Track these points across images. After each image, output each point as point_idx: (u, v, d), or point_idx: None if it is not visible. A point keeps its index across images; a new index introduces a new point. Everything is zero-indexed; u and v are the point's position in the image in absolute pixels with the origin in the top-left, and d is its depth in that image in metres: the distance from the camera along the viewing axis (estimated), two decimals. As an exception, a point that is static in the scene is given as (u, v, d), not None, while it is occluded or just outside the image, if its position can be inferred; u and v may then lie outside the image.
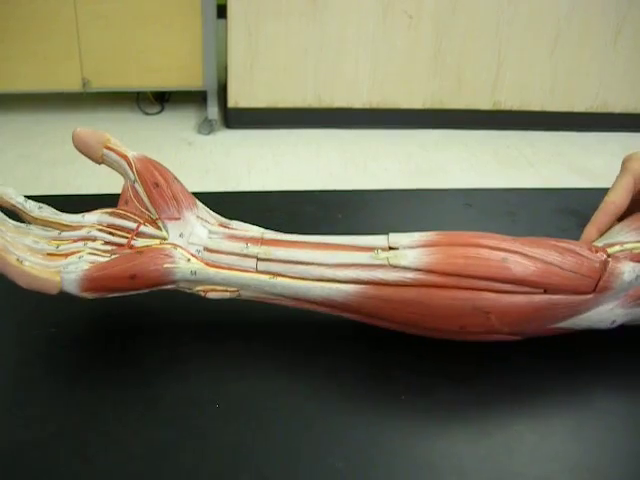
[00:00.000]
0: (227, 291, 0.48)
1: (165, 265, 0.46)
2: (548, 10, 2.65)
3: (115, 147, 0.50)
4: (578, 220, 0.69)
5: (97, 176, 1.60)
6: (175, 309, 0.53)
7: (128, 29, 2.54)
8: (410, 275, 0.46)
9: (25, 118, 2.68)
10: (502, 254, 0.46)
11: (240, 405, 0.45)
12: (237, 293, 0.48)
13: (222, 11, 2.57)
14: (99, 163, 0.50)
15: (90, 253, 0.47)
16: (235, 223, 0.51)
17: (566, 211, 0.71)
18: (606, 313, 0.48)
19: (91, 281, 0.45)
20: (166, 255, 0.47)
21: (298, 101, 2.73)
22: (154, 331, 0.51)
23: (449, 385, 0.48)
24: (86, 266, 0.46)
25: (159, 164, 0.50)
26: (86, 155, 0.50)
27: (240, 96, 2.68)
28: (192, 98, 2.87)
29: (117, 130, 2.76)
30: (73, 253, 0.47)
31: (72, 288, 0.45)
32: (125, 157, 0.50)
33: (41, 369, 0.47)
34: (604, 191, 0.76)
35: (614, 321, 0.49)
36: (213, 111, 2.70)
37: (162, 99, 2.87)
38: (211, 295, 0.48)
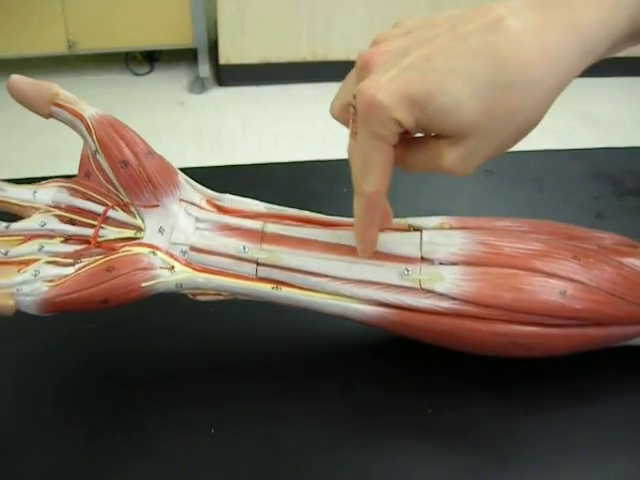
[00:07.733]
0: (220, 295, 0.40)
1: (143, 284, 0.38)
2: None
3: (66, 104, 0.39)
4: (612, 186, 0.62)
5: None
6: (171, 320, 0.46)
7: (113, -14, 2.44)
8: (445, 304, 0.38)
9: (10, 84, 2.60)
10: (559, 285, 0.38)
11: (242, 428, 0.39)
12: (232, 297, 0.40)
13: (209, -37, 2.48)
14: (47, 118, 0.40)
15: (48, 262, 0.38)
16: (227, 198, 0.43)
17: (598, 175, 0.63)
18: None
19: (52, 305, 0.37)
20: (143, 269, 0.38)
21: (292, 55, 2.64)
22: (148, 348, 0.45)
23: (477, 400, 0.41)
24: (44, 287, 0.37)
25: (127, 130, 0.39)
26: (30, 110, 0.40)
27: (231, 52, 2.60)
28: (182, 56, 2.77)
29: (106, 92, 2.67)
30: (27, 263, 0.38)
31: (30, 311, 0.37)
32: (80, 117, 0.39)
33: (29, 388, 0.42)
34: (637, 150, 0.69)
35: None
36: (204, 69, 2.62)
37: (151, 59, 2.78)
38: (201, 298, 0.40)
